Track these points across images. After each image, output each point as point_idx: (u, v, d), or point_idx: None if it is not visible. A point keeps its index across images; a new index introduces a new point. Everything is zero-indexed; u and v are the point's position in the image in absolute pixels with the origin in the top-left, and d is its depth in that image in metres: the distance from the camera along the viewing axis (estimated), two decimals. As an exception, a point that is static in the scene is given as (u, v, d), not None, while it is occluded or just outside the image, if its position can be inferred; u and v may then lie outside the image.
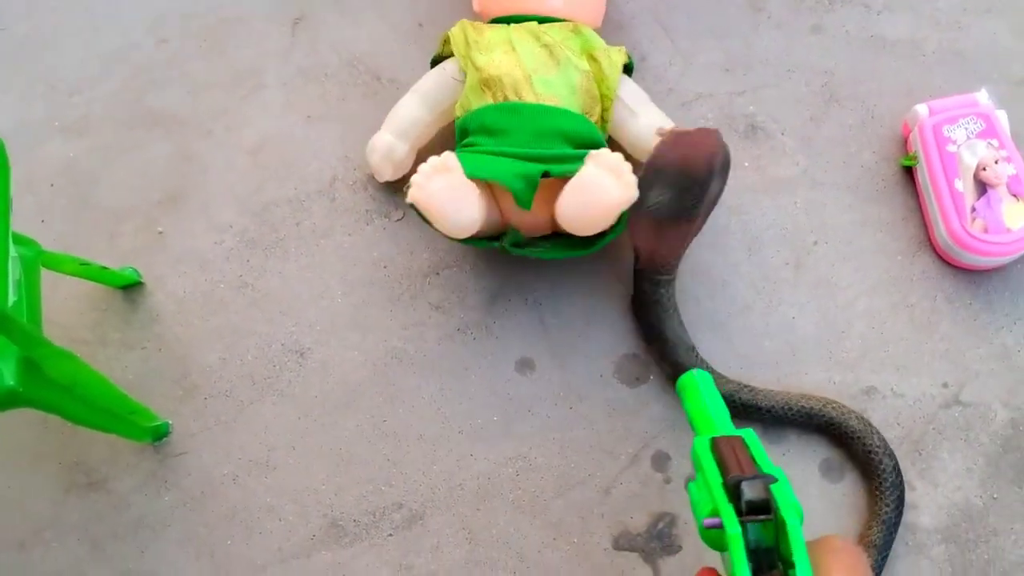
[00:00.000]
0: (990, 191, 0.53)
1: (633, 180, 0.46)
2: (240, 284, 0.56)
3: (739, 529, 0.34)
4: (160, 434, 0.52)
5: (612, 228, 0.50)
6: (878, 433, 0.51)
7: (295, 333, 0.55)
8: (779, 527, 0.34)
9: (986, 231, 0.52)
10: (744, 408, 0.51)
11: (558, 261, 0.56)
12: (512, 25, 0.54)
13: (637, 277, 0.53)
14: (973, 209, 0.53)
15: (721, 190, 0.51)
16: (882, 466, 0.50)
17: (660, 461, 0.52)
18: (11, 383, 0.40)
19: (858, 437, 0.50)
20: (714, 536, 0.36)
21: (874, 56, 0.61)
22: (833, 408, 0.51)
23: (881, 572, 0.49)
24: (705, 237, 0.56)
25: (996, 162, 0.54)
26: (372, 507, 0.51)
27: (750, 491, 0.35)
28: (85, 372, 0.45)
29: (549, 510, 0.51)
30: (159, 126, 0.61)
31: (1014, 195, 0.53)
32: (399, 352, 0.54)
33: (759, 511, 0.35)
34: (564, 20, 0.54)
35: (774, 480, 0.35)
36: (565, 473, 0.51)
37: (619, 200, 0.46)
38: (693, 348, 0.53)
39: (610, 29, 0.63)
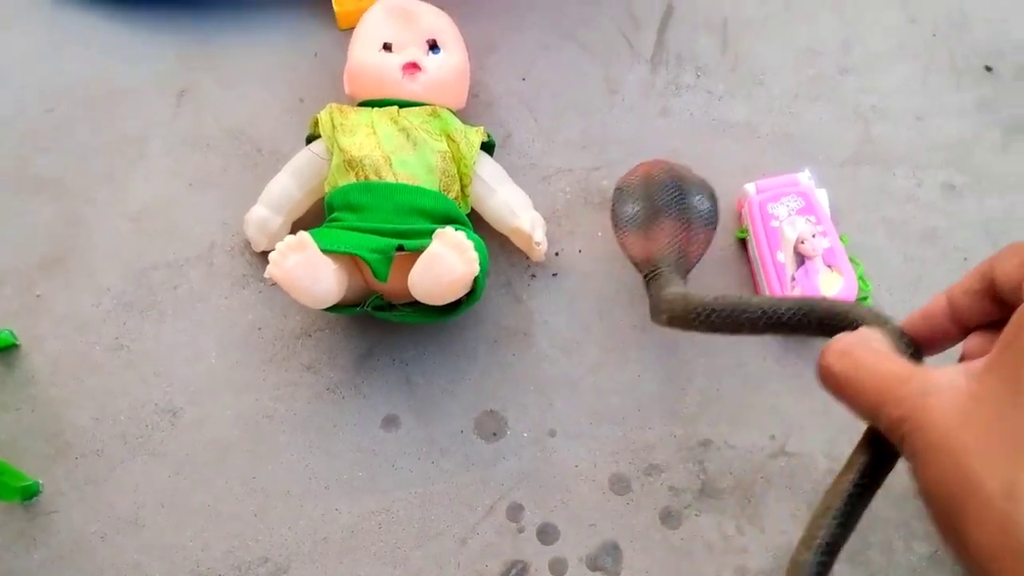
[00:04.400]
0: (808, 262, 0.57)
1: (475, 256, 0.48)
2: (116, 346, 0.56)
3: None
4: (30, 493, 0.51)
5: (469, 297, 0.52)
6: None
7: (169, 393, 0.55)
8: None
9: (805, 298, 0.56)
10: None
11: (425, 324, 0.57)
12: (375, 109, 0.56)
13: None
14: (793, 278, 0.57)
15: (709, 208, 0.54)
16: None
17: (514, 512, 0.53)
18: None
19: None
20: None
21: (715, 137, 0.65)
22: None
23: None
24: (559, 303, 0.59)
25: (813, 236, 0.58)
26: (238, 561, 0.51)
27: None
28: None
29: (409, 560, 0.52)
30: (44, 191, 0.61)
31: (828, 266, 0.57)
32: (270, 411, 0.55)
33: None
34: (424, 104, 0.57)
35: None
36: (425, 525, 0.53)
37: (462, 275, 0.48)
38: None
39: (479, 108, 0.65)
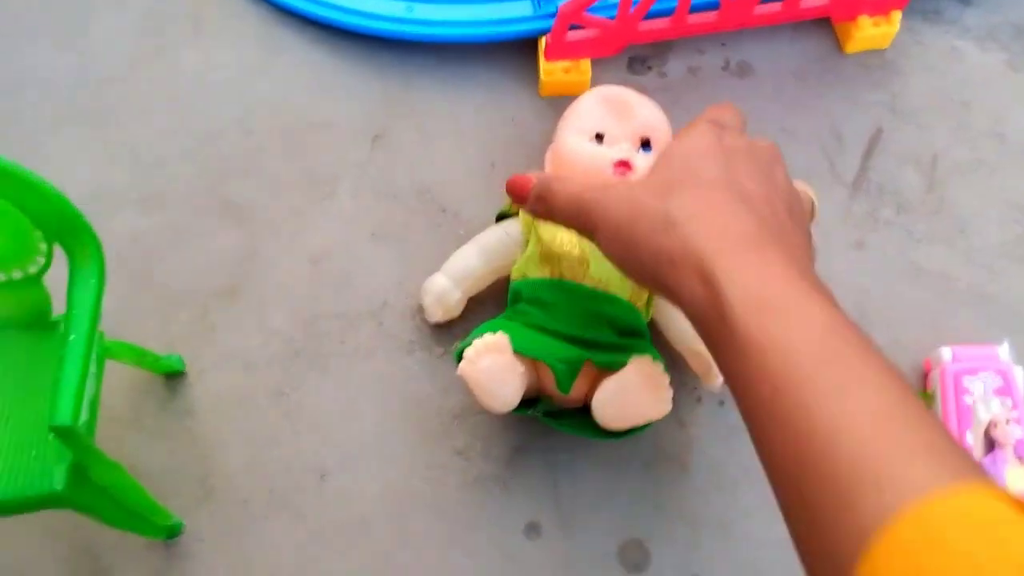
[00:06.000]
0: (997, 450, 0.53)
1: (668, 395, 0.45)
2: (277, 392, 0.54)
3: None
4: (174, 532, 0.50)
5: (643, 425, 0.49)
6: None
7: (320, 453, 0.53)
8: None
9: (988, 488, 0.52)
10: None
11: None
12: (579, 203, 0.53)
13: None
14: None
15: None
16: None
17: (643, 649, 0.50)
18: (59, 488, 0.39)
19: None
20: None
21: (907, 283, 0.61)
22: None
23: None
24: (721, 434, 0.55)
25: (1007, 422, 0.53)
26: (363, 646, 0.49)
27: None
28: (125, 480, 0.43)
29: None
30: (230, 216, 0.59)
31: (1019, 458, 0.52)
32: (417, 492, 0.53)
33: None
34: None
35: None
36: (552, 645, 0.50)
37: (652, 415, 0.46)
38: None
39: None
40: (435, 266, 0.56)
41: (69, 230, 0.39)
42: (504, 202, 0.56)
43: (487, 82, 0.65)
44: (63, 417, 0.36)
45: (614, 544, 0.52)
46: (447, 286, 0.54)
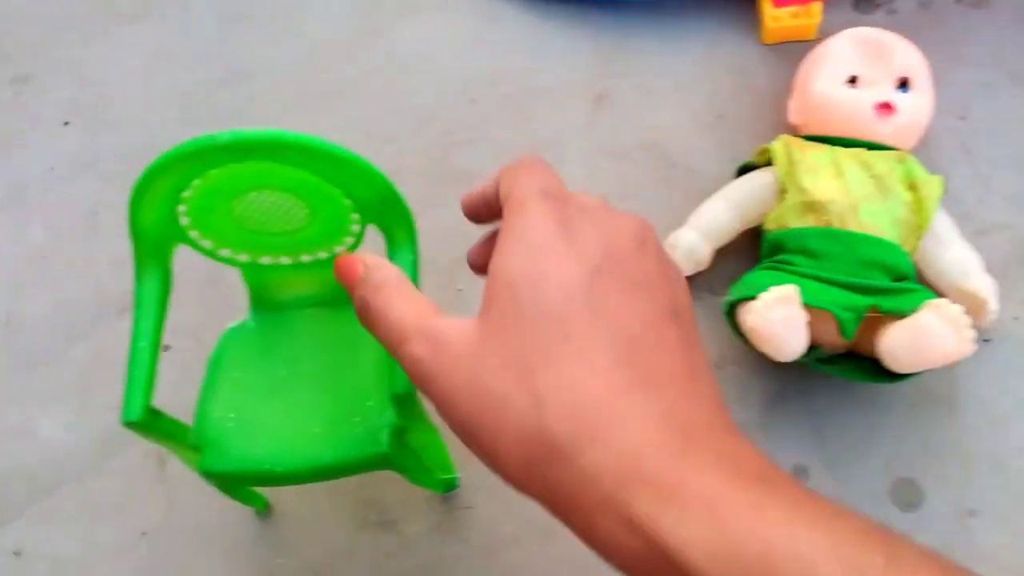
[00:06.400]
0: None
1: (971, 335, 0.44)
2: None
3: None
4: (451, 486, 0.53)
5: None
6: None
7: (581, 407, 0.55)
8: None
9: None
10: None
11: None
12: (839, 149, 0.52)
13: None
14: None
15: None
16: None
17: (926, 592, 0.49)
18: (385, 449, 0.41)
19: None
20: None
21: None
22: None
23: None
24: (990, 372, 0.53)
25: None
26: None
27: None
28: (436, 440, 0.46)
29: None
30: (463, 185, 0.60)
31: None
32: (679, 441, 0.53)
33: None
34: (890, 148, 0.52)
35: None
36: None
37: (954, 353, 0.44)
38: None
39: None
40: (671, 220, 0.56)
41: (391, 212, 0.41)
42: (747, 155, 0.56)
43: (703, 32, 0.65)
44: (403, 386, 0.39)
45: (885, 483, 0.51)
46: (696, 240, 0.54)
